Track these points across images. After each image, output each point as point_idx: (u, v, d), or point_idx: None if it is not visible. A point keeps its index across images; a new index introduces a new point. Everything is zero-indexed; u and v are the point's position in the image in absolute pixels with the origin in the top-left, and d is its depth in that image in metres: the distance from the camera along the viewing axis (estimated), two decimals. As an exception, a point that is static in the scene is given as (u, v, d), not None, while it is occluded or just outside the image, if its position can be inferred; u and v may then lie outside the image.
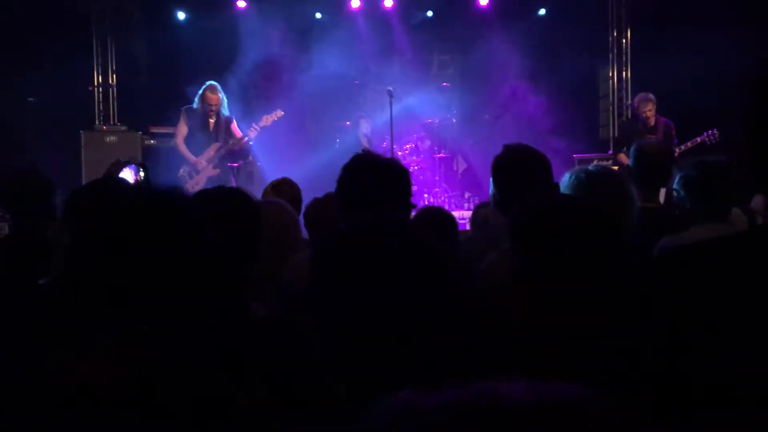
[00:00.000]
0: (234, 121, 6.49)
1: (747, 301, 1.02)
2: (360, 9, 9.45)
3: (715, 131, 6.33)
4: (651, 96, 6.60)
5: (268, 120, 6.50)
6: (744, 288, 1.03)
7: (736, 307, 1.02)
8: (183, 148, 6.36)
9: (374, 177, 1.94)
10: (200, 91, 6.33)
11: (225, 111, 6.42)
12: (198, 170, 6.30)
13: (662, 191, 3.39)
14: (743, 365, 0.98)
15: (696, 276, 1.08)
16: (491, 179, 2.41)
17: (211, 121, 6.37)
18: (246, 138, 6.39)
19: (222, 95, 6.35)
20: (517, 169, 2.36)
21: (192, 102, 6.42)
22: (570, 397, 0.61)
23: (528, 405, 0.59)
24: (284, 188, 3.51)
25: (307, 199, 3.20)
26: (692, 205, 2.71)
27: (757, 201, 3.36)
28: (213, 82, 6.37)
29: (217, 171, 6.36)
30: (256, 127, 6.43)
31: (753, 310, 1.01)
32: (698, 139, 6.44)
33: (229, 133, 6.42)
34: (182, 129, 6.38)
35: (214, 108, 6.30)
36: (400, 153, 8.63)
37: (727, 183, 2.67)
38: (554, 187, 2.42)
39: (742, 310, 1.02)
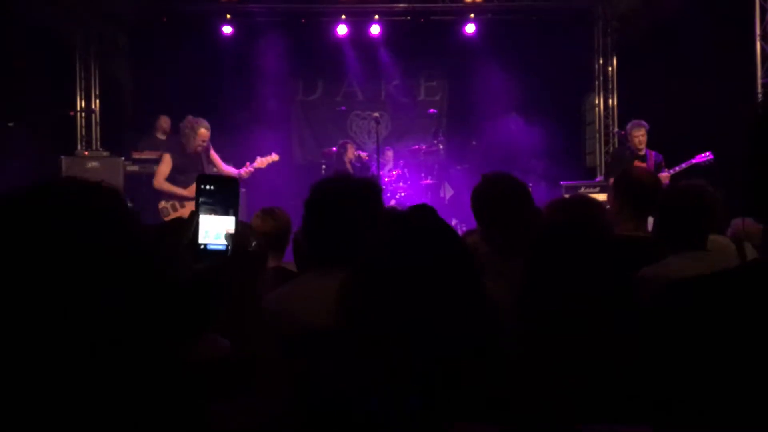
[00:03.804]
0: (211, 147, 6.18)
1: (746, 342, 0.94)
2: (347, 36, 9.46)
3: (710, 154, 6.30)
4: (644, 123, 6.61)
5: (262, 162, 6.33)
6: (744, 328, 0.95)
7: (736, 349, 0.95)
8: (167, 185, 5.96)
9: (342, 195, 1.85)
10: (192, 126, 5.89)
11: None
12: (182, 203, 6.00)
13: (650, 220, 3.27)
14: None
15: (695, 313, 1.00)
16: (472, 210, 2.37)
17: (199, 151, 6.06)
18: (237, 176, 6.16)
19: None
20: (496, 200, 2.32)
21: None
22: None
23: None
24: (277, 215, 3.37)
25: (294, 226, 3.11)
26: (667, 232, 2.61)
27: (748, 224, 3.25)
28: (201, 119, 6.04)
29: None
30: (250, 168, 6.24)
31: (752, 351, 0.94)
32: (693, 161, 6.41)
33: (210, 161, 6.21)
34: (167, 165, 6.07)
35: (203, 144, 6.01)
36: (387, 179, 8.57)
37: (702, 209, 2.55)
38: (535, 213, 2.37)
39: (741, 351, 0.94)
